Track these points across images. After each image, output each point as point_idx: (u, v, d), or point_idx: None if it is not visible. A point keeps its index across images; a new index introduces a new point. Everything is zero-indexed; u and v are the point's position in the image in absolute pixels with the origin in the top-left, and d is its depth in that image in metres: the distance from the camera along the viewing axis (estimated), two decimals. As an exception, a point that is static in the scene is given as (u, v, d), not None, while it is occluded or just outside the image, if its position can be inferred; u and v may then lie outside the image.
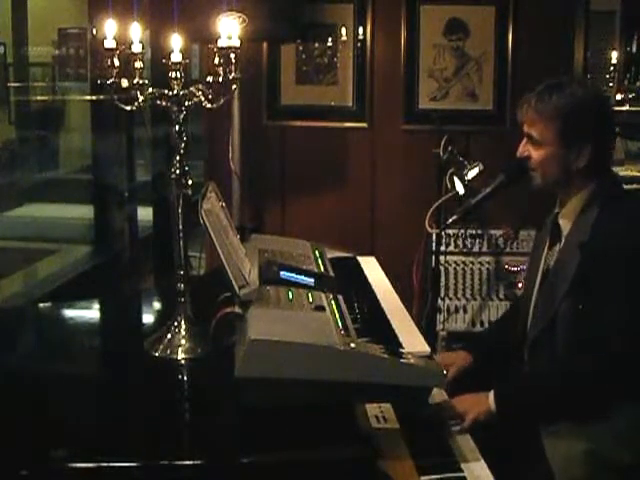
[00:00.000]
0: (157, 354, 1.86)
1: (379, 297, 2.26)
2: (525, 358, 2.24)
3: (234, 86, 1.86)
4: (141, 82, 1.81)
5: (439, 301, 3.35)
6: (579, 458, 2.03)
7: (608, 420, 2.02)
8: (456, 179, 3.11)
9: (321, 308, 1.83)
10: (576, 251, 2.07)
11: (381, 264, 2.63)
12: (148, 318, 2.50)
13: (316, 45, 3.79)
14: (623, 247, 2.03)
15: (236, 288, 1.76)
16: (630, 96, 6.19)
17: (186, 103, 1.84)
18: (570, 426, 2.06)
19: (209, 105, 1.86)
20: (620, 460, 2.02)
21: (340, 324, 1.79)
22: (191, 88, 1.84)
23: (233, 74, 1.84)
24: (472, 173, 3.04)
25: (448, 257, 3.43)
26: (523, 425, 2.13)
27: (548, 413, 2.09)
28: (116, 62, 1.79)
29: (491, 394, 2.03)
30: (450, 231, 3.39)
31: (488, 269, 3.46)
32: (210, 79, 1.84)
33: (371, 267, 2.57)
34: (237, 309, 1.77)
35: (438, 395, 2.00)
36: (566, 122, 2.10)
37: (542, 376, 2.13)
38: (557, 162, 2.13)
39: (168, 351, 1.86)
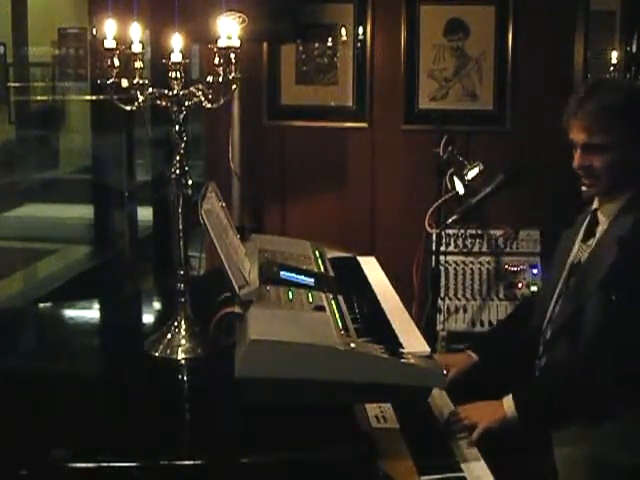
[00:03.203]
0: (157, 354, 1.86)
1: (379, 297, 2.25)
2: (540, 352, 2.21)
3: (234, 86, 1.87)
4: (141, 82, 1.81)
5: (439, 301, 3.35)
6: (580, 460, 2.03)
7: (610, 422, 2.01)
8: (456, 179, 3.11)
9: (321, 308, 1.83)
10: (614, 245, 2.02)
11: (381, 264, 2.62)
12: (148, 318, 2.50)
13: (316, 45, 3.79)
14: None
15: (236, 288, 1.76)
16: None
17: (186, 103, 1.84)
18: (572, 429, 2.04)
19: (209, 105, 1.86)
20: (621, 462, 2.01)
21: (340, 324, 1.79)
22: (191, 88, 1.84)
23: (233, 74, 1.84)
24: (472, 173, 3.04)
25: (448, 257, 3.43)
26: (543, 429, 2.08)
27: (565, 420, 2.05)
28: (116, 62, 1.79)
29: (507, 400, 1.99)
30: (450, 231, 3.39)
31: (488, 269, 3.46)
32: (210, 79, 1.84)
33: (371, 267, 2.56)
34: (237, 309, 1.77)
35: (439, 399, 2.00)
36: (627, 119, 2.02)
37: (558, 384, 2.06)
38: (625, 163, 2.04)
39: (168, 351, 1.86)
